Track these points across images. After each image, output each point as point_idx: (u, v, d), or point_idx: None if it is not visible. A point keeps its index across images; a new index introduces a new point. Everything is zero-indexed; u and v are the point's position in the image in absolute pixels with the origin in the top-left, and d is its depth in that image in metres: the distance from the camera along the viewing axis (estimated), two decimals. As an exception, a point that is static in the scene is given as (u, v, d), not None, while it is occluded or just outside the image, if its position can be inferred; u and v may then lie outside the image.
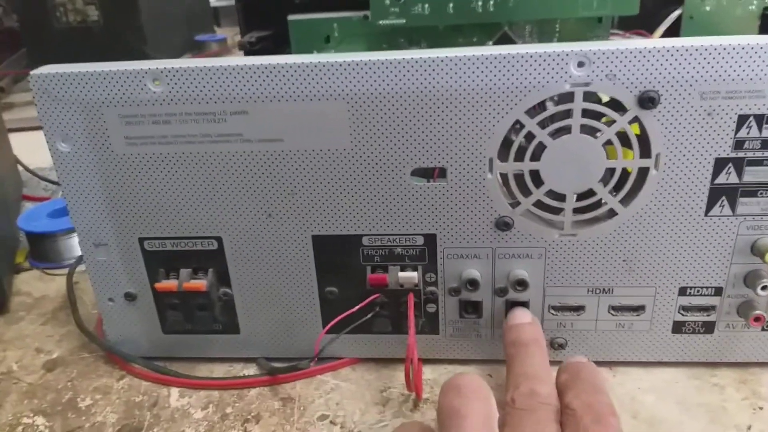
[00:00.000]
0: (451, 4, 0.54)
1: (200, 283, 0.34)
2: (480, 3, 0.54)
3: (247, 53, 0.56)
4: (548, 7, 0.54)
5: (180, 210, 0.34)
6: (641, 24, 0.59)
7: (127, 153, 0.32)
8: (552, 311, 0.34)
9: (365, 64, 0.29)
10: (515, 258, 0.33)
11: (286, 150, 0.32)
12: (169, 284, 0.35)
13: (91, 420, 0.34)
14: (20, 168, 0.67)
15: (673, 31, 0.56)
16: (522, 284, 0.33)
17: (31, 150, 0.69)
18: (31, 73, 0.31)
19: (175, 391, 0.36)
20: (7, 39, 1.18)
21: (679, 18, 0.56)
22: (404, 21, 0.55)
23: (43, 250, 0.50)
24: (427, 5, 0.55)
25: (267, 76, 0.30)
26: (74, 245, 0.51)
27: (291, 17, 0.57)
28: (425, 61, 0.29)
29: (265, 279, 0.35)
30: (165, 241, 0.35)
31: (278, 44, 0.58)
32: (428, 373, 0.36)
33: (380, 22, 0.55)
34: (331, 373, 0.36)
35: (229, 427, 0.33)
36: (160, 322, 0.37)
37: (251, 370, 0.37)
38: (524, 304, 0.34)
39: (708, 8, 0.55)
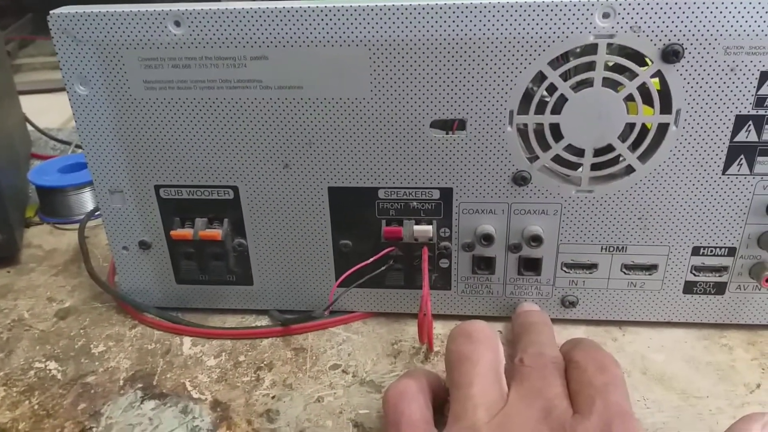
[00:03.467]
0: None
1: (216, 232, 0.34)
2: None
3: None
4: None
5: (196, 158, 0.34)
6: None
7: (146, 97, 0.32)
8: (565, 269, 0.34)
9: (388, 10, 0.29)
10: (531, 214, 0.33)
11: (306, 98, 0.31)
12: (184, 232, 0.35)
13: (105, 365, 0.34)
14: (29, 128, 0.66)
15: None
16: (537, 240, 0.33)
17: (38, 112, 0.69)
18: (51, 12, 0.31)
19: (187, 340, 0.36)
20: (12, 4, 1.17)
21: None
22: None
23: (53, 205, 0.50)
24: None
25: (288, 21, 0.30)
26: (85, 200, 0.51)
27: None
28: (449, 8, 0.29)
29: (280, 230, 0.35)
30: (181, 189, 0.35)
31: None
32: (439, 328, 0.36)
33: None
34: (342, 326, 0.37)
35: (242, 374, 0.33)
36: (173, 272, 0.37)
37: (263, 321, 0.37)
38: (538, 261, 0.34)
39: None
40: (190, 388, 0.33)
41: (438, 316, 0.37)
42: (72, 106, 0.33)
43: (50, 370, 0.34)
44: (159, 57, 0.31)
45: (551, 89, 0.30)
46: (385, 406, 0.27)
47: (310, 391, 0.32)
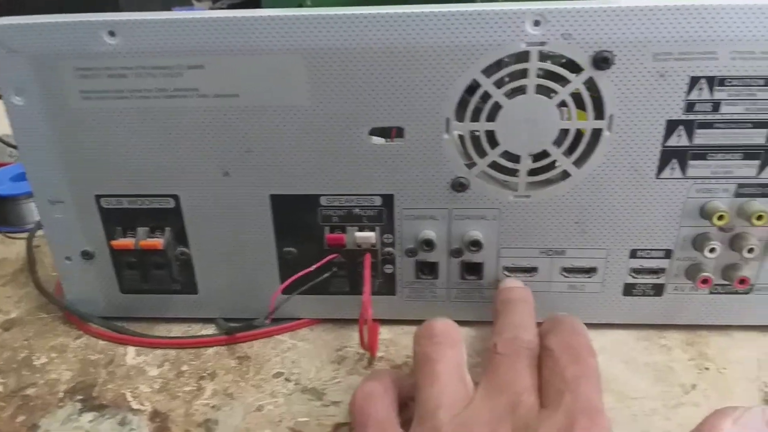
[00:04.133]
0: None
1: (157, 242, 0.34)
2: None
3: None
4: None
5: (136, 167, 0.33)
6: None
7: (82, 107, 0.32)
8: (506, 272, 0.34)
9: (322, 18, 0.29)
10: (470, 219, 0.33)
11: (243, 106, 0.31)
12: (125, 242, 0.34)
13: (45, 377, 0.34)
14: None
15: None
16: (476, 245, 0.33)
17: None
18: (-17, 23, 0.31)
19: (131, 350, 0.36)
20: (-22, 9, 1.15)
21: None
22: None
23: (4, 214, 0.50)
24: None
25: (223, 30, 0.30)
26: (36, 208, 0.50)
27: (263, -16, 0.57)
28: (383, 17, 0.29)
29: (223, 239, 0.35)
30: (122, 199, 0.34)
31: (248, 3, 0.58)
32: (385, 333, 0.36)
33: (352, -9, 0.55)
34: (288, 333, 0.37)
35: (183, 384, 0.33)
36: (117, 282, 0.37)
37: (210, 330, 0.37)
38: (479, 266, 0.34)
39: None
40: (130, 399, 0.32)
41: (384, 322, 0.37)
42: (9, 117, 0.33)
43: (-10, 383, 0.34)
44: (94, 67, 0.31)
45: (486, 97, 0.30)
46: (352, 408, 0.28)
47: (251, 400, 0.32)
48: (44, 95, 0.32)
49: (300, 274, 0.34)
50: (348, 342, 0.36)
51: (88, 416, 0.31)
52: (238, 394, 0.32)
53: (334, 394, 0.32)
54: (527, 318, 0.30)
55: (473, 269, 0.35)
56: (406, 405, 0.29)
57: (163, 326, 0.38)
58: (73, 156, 0.33)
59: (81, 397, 0.32)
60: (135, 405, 0.32)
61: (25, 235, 0.49)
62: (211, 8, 0.54)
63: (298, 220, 0.34)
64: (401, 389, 0.29)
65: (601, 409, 0.25)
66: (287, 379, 0.33)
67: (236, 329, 0.36)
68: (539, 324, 0.30)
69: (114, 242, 0.34)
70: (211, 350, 0.36)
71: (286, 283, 0.34)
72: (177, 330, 0.37)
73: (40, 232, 0.46)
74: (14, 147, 0.64)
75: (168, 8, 1.02)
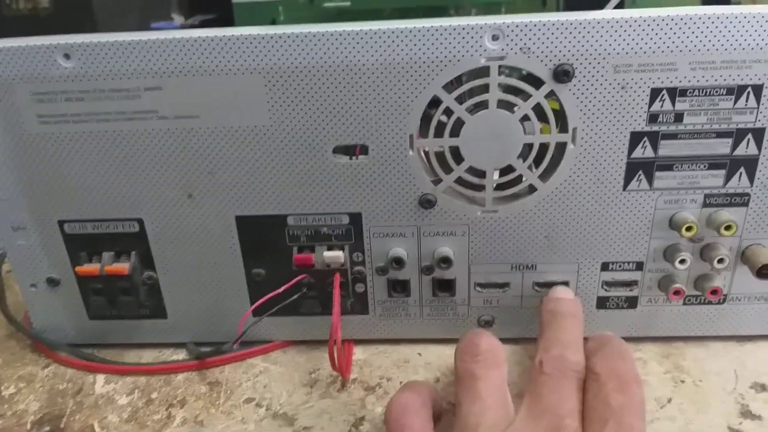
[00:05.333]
0: (395, -13, 0.54)
1: (122, 267, 0.34)
2: (424, -14, 0.54)
3: (190, 38, 0.55)
4: (492, -9, 0.54)
5: (99, 191, 0.33)
6: (588, 6, 0.59)
7: (41, 132, 0.31)
8: (478, 288, 0.34)
9: (279, 38, 0.29)
10: (439, 236, 0.33)
11: (204, 127, 0.31)
12: (90, 268, 0.34)
13: (13, 408, 0.33)
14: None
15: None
16: (446, 261, 0.33)
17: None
18: (-63, 50, 0.30)
19: (101, 378, 0.35)
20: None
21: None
22: (349, 3, 0.55)
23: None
24: (371, -12, 0.54)
25: (180, 50, 0.29)
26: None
27: (235, 0, 0.56)
28: (340, 35, 0.29)
29: (190, 261, 0.34)
30: (85, 224, 0.34)
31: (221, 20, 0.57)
32: (359, 353, 0.36)
33: (325, 4, 0.55)
34: (261, 356, 0.36)
35: (153, 412, 0.32)
36: (85, 308, 0.36)
37: (181, 355, 0.36)
38: (450, 282, 0.34)
39: (651, -12, 0.56)
40: (98, 430, 0.32)
41: (359, 341, 0.36)
42: (-35, 144, 0.32)
43: (-46, 416, 0.33)
44: (51, 91, 0.30)
45: (448, 113, 0.30)
46: (388, 418, 0.27)
47: (221, 428, 0.31)
48: (1, 120, 0.31)
49: (268, 296, 0.33)
50: (321, 364, 0.35)
51: (53, 448, 0.31)
52: (208, 421, 0.32)
53: (306, 419, 0.31)
54: (576, 336, 0.30)
55: (445, 286, 0.34)
56: (439, 418, 0.29)
57: (134, 352, 0.37)
58: (33, 181, 0.33)
59: (48, 429, 0.32)
60: (101, 435, 0.31)
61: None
62: (183, 25, 0.54)
63: (265, 241, 0.34)
64: (435, 402, 0.28)
65: None
66: (258, 405, 0.33)
67: (206, 354, 0.35)
68: (585, 340, 0.30)
69: (79, 268, 0.34)
70: (181, 376, 0.35)
71: (254, 306, 0.34)
72: (148, 356, 0.37)
73: (10, 258, 0.46)
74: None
75: (147, 23, 1.01)
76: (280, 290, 0.33)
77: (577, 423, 0.25)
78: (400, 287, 0.35)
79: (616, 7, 0.57)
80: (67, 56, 0.30)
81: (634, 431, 0.25)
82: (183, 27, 0.55)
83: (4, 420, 0.33)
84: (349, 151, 0.32)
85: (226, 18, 0.57)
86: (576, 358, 0.28)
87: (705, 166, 0.30)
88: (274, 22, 0.57)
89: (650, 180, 0.31)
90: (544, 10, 0.56)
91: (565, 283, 0.33)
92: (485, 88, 0.30)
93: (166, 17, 1.13)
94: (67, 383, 0.35)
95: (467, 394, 0.27)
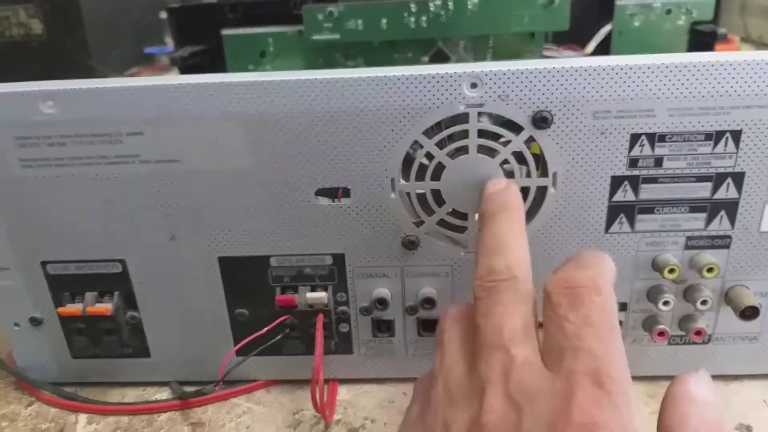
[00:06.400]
0: (384, 20, 0.54)
1: (105, 308, 0.34)
2: (413, 19, 0.54)
3: (181, 69, 0.55)
4: (480, 24, 0.54)
5: (81, 232, 0.33)
6: (574, 39, 0.59)
7: (23, 175, 0.31)
8: (462, 329, 0.34)
9: (259, 85, 0.29)
10: (423, 276, 0.33)
11: (185, 170, 0.31)
12: (72, 309, 0.34)
13: (-8, 450, 0.33)
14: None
15: (604, 46, 0.57)
16: (430, 302, 0.33)
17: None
18: None
19: (83, 417, 0.35)
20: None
21: (609, 33, 0.56)
22: (338, 36, 0.55)
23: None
24: (360, 21, 0.55)
25: (160, 97, 0.29)
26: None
27: (225, 32, 0.57)
28: (320, 82, 0.29)
29: (173, 302, 0.34)
30: (68, 265, 0.34)
31: (213, 59, 0.58)
32: (343, 393, 0.35)
33: (314, 37, 0.55)
34: (245, 396, 0.36)
35: (133, 455, 0.32)
36: (67, 347, 0.36)
37: (164, 394, 0.36)
38: (435, 321, 0.34)
39: (637, 24, 0.56)
40: (77, 474, 0.32)
41: (343, 381, 0.36)
42: (-52, 186, 0.32)
43: (-66, 459, 0.33)
44: (33, 135, 0.31)
45: (429, 157, 0.30)
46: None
47: (201, 471, 0.31)
48: (-15, 164, 0.32)
49: (250, 338, 0.33)
50: (305, 404, 0.35)
51: (32, 494, 0.30)
52: (187, 465, 0.32)
53: (286, 462, 0.31)
54: (507, 235, 0.24)
55: (430, 325, 0.34)
56: None
57: (117, 391, 0.37)
58: (15, 223, 0.33)
59: (26, 473, 0.32)
60: (81, 480, 0.31)
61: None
62: (172, 57, 0.54)
63: (248, 282, 0.34)
64: None
65: (610, 371, 0.19)
66: (239, 447, 0.32)
67: (189, 394, 0.35)
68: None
69: (61, 309, 0.34)
70: (164, 416, 0.35)
71: (236, 347, 0.34)
72: (131, 394, 0.36)
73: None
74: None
75: (140, 48, 1.02)
76: (263, 331, 0.33)
77: (530, 350, 0.20)
78: (384, 327, 0.35)
79: (600, 43, 0.57)
80: (49, 102, 0.30)
81: (598, 360, 0.19)
82: (172, 57, 0.55)
83: (-15, 463, 0.33)
84: (332, 193, 0.32)
85: (216, 49, 0.57)
86: (503, 262, 0.22)
87: (686, 209, 0.30)
88: (264, 54, 0.57)
89: (632, 222, 0.31)
90: (532, 42, 0.57)
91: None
92: (465, 134, 0.30)
93: (159, 42, 1.14)
94: (49, 423, 0.35)
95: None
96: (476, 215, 0.31)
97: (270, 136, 0.30)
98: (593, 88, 0.28)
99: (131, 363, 0.36)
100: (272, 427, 0.34)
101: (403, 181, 0.31)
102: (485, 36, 0.56)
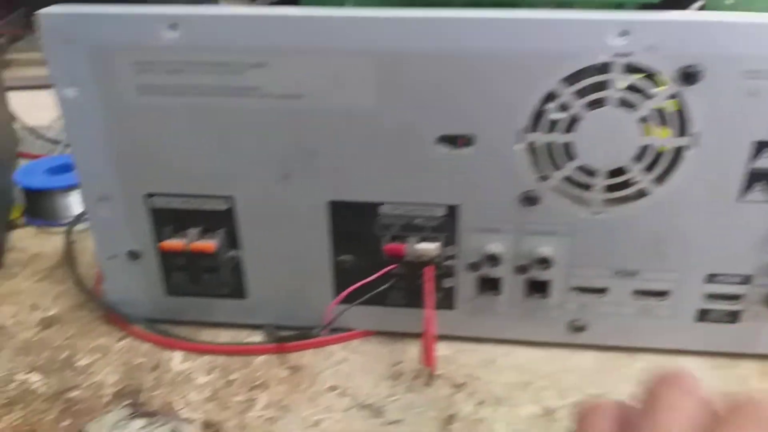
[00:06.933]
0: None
1: (209, 244, 0.33)
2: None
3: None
4: (568, -8, 0.52)
5: (190, 166, 0.32)
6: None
7: (138, 102, 0.31)
8: (574, 292, 0.33)
9: (396, 20, 0.28)
10: (539, 235, 0.32)
11: (306, 107, 0.30)
12: (175, 243, 0.33)
13: (90, 379, 0.33)
14: (17, 126, 0.64)
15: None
16: (545, 262, 0.32)
17: (28, 109, 0.67)
18: (39, 12, 0.30)
19: (177, 355, 0.35)
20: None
21: (701, 9, 0.54)
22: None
23: (39, 207, 0.49)
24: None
25: (289, 28, 0.28)
26: (72, 203, 0.49)
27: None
28: (459, 21, 0.28)
29: (277, 243, 0.34)
30: (173, 199, 0.33)
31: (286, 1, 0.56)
32: (442, 349, 0.34)
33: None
34: (340, 344, 0.35)
35: (234, 393, 0.32)
36: (163, 283, 0.35)
37: (257, 337, 0.36)
38: (545, 284, 0.33)
39: (729, 1, 0.53)
40: (180, 407, 0.31)
41: (441, 337, 0.35)
42: (60, 109, 0.31)
43: (33, 382, 0.33)
44: (153, 61, 0.30)
45: (564, 108, 0.29)
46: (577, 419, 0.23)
47: (307, 414, 0.31)
48: (99, 89, 0.31)
49: (357, 285, 0.32)
50: (402, 356, 0.34)
51: (139, 423, 0.30)
52: (293, 407, 0.31)
53: (394, 413, 0.31)
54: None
55: (539, 287, 0.33)
56: None
57: (208, 331, 0.36)
58: (125, 152, 0.32)
59: (128, 402, 0.31)
60: (185, 413, 0.31)
61: (59, 229, 0.48)
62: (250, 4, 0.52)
63: (356, 228, 0.33)
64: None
65: None
66: (342, 394, 0.32)
67: (288, 338, 0.34)
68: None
69: (164, 243, 0.33)
70: (260, 359, 0.34)
71: (343, 294, 0.33)
72: (223, 336, 0.36)
73: (78, 226, 0.45)
74: (46, 139, 0.63)
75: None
76: (372, 278, 0.32)
77: None
78: (490, 285, 0.34)
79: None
80: (172, 27, 0.29)
81: None
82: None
83: (81, 391, 0.32)
84: (453, 141, 0.31)
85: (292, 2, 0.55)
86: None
87: (832, 181, 0.29)
88: (342, 5, 0.55)
89: (770, 191, 0.30)
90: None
91: (666, 293, 0.32)
92: (605, 85, 0.28)
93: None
94: (142, 358, 0.34)
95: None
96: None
97: (398, 75, 0.29)
98: (748, 45, 0.27)
99: (226, 303, 0.36)
100: (372, 376, 0.33)
101: (531, 132, 0.30)
102: (570, 3, 0.54)
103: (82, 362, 0.34)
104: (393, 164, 0.31)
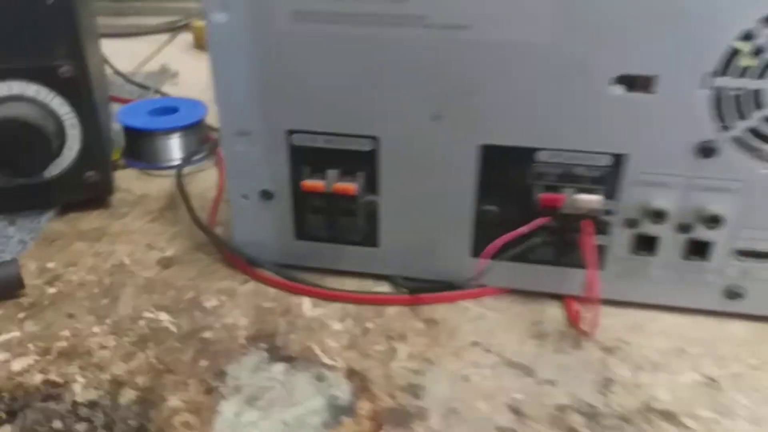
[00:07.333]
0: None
1: (351, 186, 0.31)
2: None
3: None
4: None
5: (338, 102, 0.30)
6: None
7: (290, 29, 0.29)
8: (738, 256, 0.31)
9: (592, -57, 0.25)
10: (710, 191, 0.29)
11: (473, 39, 0.28)
12: (316, 184, 0.32)
13: (221, 321, 0.32)
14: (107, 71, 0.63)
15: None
16: (714, 221, 0.29)
17: (111, 57, 0.66)
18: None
19: (306, 301, 0.33)
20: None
21: None
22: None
23: (140, 149, 0.48)
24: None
25: (472, -51, 0.26)
26: (172, 146, 0.48)
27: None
28: (663, -54, 0.25)
29: (418, 189, 0.32)
30: (316, 137, 0.31)
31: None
32: (583, 311, 0.33)
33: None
34: (473, 300, 0.33)
35: (373, 342, 0.30)
36: (294, 226, 0.34)
37: (383, 287, 0.34)
38: (706, 246, 0.30)
39: None
40: (318, 353, 0.30)
41: (581, 299, 0.33)
42: (208, 35, 0.30)
43: (162, 321, 0.32)
44: (314, -17, 0.28)
45: (759, 51, 0.26)
46: None
47: (453, 369, 0.29)
48: (251, 13, 0.29)
49: (510, 235, 0.30)
50: (542, 316, 0.32)
51: (279, 367, 0.29)
52: (437, 360, 0.29)
53: (546, 372, 0.29)
54: None
55: (699, 249, 0.31)
56: None
57: (331, 279, 0.35)
58: (270, 84, 0.30)
59: (265, 346, 0.30)
60: (326, 360, 0.29)
61: (160, 172, 0.47)
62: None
63: (507, 176, 0.31)
64: None
65: None
66: (487, 350, 0.30)
67: (422, 289, 0.33)
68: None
69: (306, 183, 0.32)
70: (392, 309, 0.33)
71: (498, 243, 0.31)
72: (348, 284, 0.34)
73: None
74: (137, 84, 0.62)
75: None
76: (524, 230, 0.30)
77: None
78: (645, 244, 0.31)
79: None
80: (339, -56, 0.27)
81: None
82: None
83: (214, 332, 0.31)
84: (631, 82, 0.28)
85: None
86: None
87: None
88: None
89: None
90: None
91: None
92: (817, 25, 0.26)
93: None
94: (271, 302, 0.33)
95: None
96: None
97: (579, 8, 0.26)
98: None
99: (356, 251, 0.34)
100: (515, 335, 0.31)
101: (718, 77, 0.27)
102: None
103: (210, 304, 0.33)
104: (559, 106, 0.29)
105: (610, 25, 0.27)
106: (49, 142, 0.36)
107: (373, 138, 0.31)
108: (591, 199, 0.30)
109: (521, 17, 0.27)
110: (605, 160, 0.30)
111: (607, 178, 0.30)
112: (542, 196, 0.30)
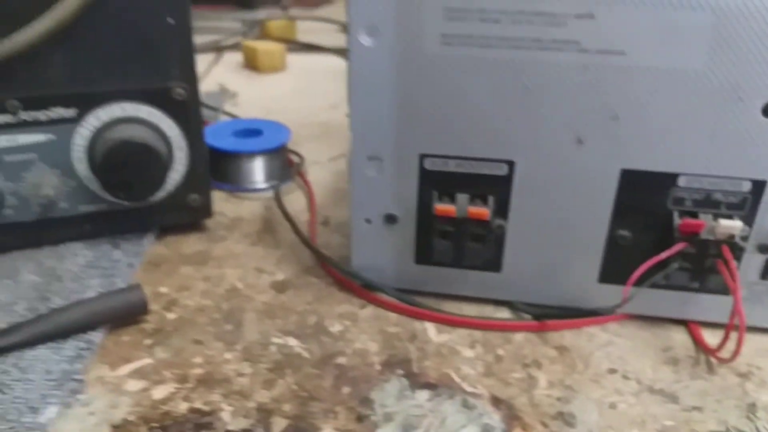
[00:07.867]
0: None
1: (484, 211, 0.31)
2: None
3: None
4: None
5: (476, 125, 0.30)
6: None
7: (439, 53, 0.29)
8: None
9: (755, -28, 0.26)
10: None
11: (626, 65, 0.28)
12: (448, 208, 0.31)
13: (351, 346, 0.31)
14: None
15: None
16: None
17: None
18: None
19: (430, 326, 0.33)
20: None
21: None
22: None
23: (226, 170, 0.47)
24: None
25: (632, -23, 0.26)
26: (256, 169, 0.48)
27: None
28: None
29: (549, 214, 0.31)
30: (448, 161, 0.31)
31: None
32: (707, 336, 0.32)
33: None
34: (598, 326, 0.33)
35: (509, 370, 0.30)
36: (415, 251, 0.34)
37: (503, 313, 0.34)
38: None
39: None
40: (457, 380, 0.29)
41: (705, 324, 0.33)
42: (350, 58, 0.30)
43: (292, 347, 0.31)
44: (466, 8, 0.28)
45: None
46: None
47: (597, 396, 0.28)
48: (399, 37, 0.29)
49: (652, 261, 0.30)
50: (670, 342, 0.32)
51: (423, 394, 0.28)
52: (577, 387, 0.29)
53: (690, 399, 0.28)
54: None
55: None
56: None
57: (449, 303, 0.34)
58: (409, 108, 0.30)
59: (402, 372, 0.30)
60: (467, 387, 0.29)
61: (246, 195, 0.46)
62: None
63: (645, 201, 0.31)
64: None
65: None
66: (625, 377, 0.30)
67: (548, 315, 0.32)
68: None
69: (439, 207, 0.31)
70: (519, 336, 0.32)
71: (638, 273, 0.30)
72: (466, 309, 0.34)
73: (266, 194, 0.44)
74: (207, 106, 0.62)
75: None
76: (663, 256, 0.30)
77: None
78: (777, 270, 0.31)
79: None
80: (493, -29, 0.27)
81: None
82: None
83: (347, 357, 0.30)
84: (776, 110, 0.28)
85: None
86: None
87: None
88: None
89: None
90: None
91: None
92: None
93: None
94: (395, 327, 0.33)
95: None
96: None
97: (737, 34, 0.27)
98: None
99: (478, 276, 0.34)
100: (648, 361, 0.31)
101: None
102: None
103: (334, 329, 0.32)
104: (707, 131, 0.29)
105: (765, 51, 0.27)
106: (165, 165, 0.35)
107: (509, 162, 0.31)
108: (733, 225, 0.30)
109: (678, 43, 0.27)
110: (746, 186, 0.30)
111: (745, 203, 0.30)
112: (684, 221, 0.30)
